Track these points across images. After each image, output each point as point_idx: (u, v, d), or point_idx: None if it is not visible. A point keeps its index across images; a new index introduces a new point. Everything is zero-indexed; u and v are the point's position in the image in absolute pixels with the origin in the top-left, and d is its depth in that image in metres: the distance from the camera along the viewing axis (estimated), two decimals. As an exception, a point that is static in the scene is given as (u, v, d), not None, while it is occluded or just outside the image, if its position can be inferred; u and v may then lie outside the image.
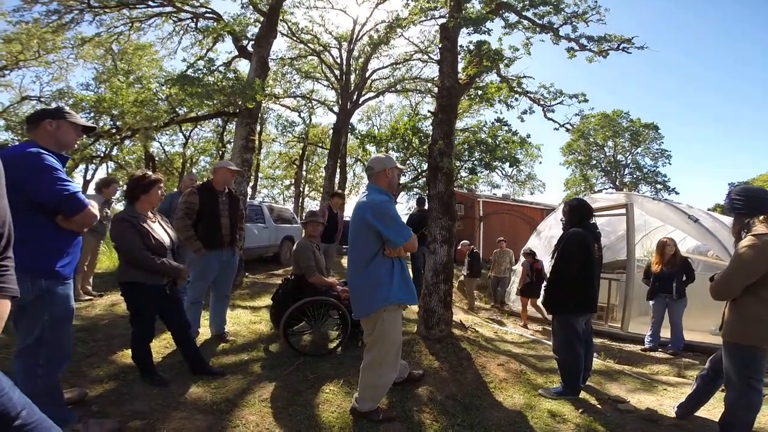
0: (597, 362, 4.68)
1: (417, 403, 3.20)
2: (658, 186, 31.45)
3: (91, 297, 5.51)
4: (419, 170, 20.03)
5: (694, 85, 56.45)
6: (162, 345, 3.81)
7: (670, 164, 32.24)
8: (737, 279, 2.52)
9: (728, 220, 6.92)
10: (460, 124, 17.18)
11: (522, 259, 8.34)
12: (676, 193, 30.89)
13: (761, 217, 2.52)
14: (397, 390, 3.28)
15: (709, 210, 7.64)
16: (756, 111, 53.59)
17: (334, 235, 6.84)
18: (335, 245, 7.12)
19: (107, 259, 7.74)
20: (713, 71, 55.33)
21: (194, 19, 9.26)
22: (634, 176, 32.51)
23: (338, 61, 14.13)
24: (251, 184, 21.29)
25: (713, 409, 3.22)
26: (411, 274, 3.06)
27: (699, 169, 56.48)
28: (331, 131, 14.92)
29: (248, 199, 8.52)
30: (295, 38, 12.76)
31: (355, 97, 14.19)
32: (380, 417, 2.86)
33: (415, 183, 19.36)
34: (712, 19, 52.51)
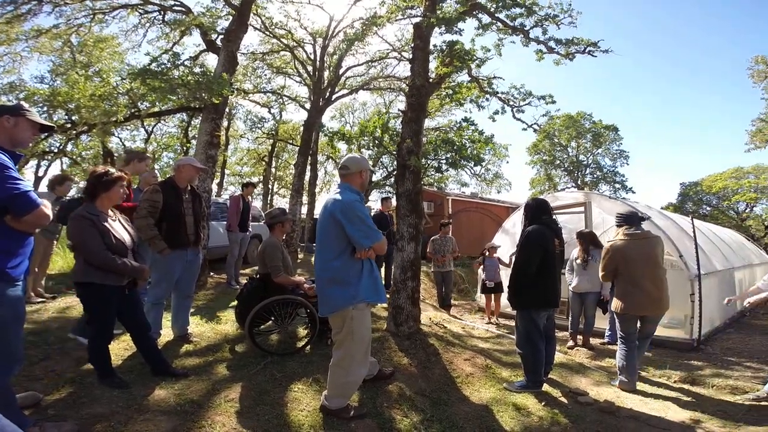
0: (559, 356, 4.85)
1: (387, 399, 3.23)
2: (617, 185, 32.74)
3: (44, 299, 5.23)
4: (390, 169, 20.08)
5: (652, 89, 59.32)
6: (121, 347, 3.67)
7: (627, 164, 33.73)
8: (603, 269, 4.12)
9: (679, 218, 7.34)
10: (431, 123, 17.34)
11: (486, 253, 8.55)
12: (633, 192, 32.26)
13: (622, 228, 4.05)
14: (368, 387, 3.30)
15: (662, 209, 8.03)
16: (706, 115, 56.96)
17: (247, 224, 7.31)
18: (250, 234, 7.56)
19: (61, 260, 7.36)
20: (667, 76, 58.28)
21: (162, 12, 8.90)
22: (595, 176, 33.74)
23: (312, 57, 13.90)
24: (217, 180, 20.73)
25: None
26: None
27: (654, 169, 59.31)
28: (302, 128, 14.63)
29: (214, 197, 8.30)
30: (267, 33, 12.44)
31: (327, 94, 13.99)
32: (351, 414, 2.86)
33: (386, 181, 19.38)
34: (670, 26, 55.24)
